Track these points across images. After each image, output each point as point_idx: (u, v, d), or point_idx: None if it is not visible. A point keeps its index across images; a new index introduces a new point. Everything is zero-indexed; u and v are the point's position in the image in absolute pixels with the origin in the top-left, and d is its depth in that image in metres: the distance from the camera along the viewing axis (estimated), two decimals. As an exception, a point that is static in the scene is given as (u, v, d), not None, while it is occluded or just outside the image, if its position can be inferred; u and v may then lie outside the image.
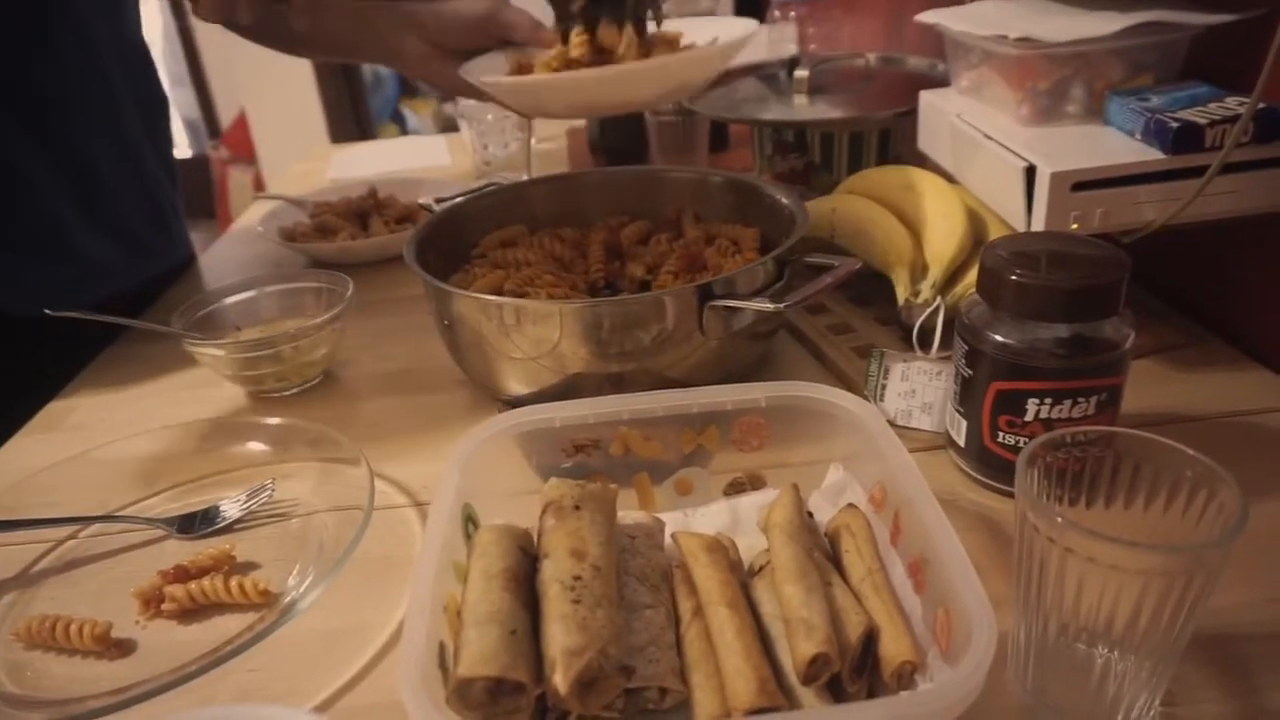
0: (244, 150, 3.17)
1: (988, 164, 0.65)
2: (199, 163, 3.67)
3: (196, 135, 3.89)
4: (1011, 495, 0.51)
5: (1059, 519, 0.35)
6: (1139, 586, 0.34)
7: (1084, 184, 0.57)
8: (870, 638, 0.38)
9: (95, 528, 0.56)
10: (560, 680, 0.35)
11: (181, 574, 0.50)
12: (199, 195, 3.58)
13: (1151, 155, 0.57)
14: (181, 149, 4.01)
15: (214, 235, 1.10)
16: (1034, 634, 0.39)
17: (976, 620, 0.34)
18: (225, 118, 3.42)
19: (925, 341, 0.62)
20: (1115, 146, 0.59)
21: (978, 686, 0.32)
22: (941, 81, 0.79)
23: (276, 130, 2.98)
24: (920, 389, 0.60)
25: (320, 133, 2.98)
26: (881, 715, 0.33)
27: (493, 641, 0.36)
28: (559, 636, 0.36)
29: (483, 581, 0.39)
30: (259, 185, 3.08)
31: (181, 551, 0.53)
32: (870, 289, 0.73)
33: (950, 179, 0.72)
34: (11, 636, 0.48)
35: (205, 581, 0.49)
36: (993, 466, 0.52)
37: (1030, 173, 0.59)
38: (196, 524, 0.56)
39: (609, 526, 0.43)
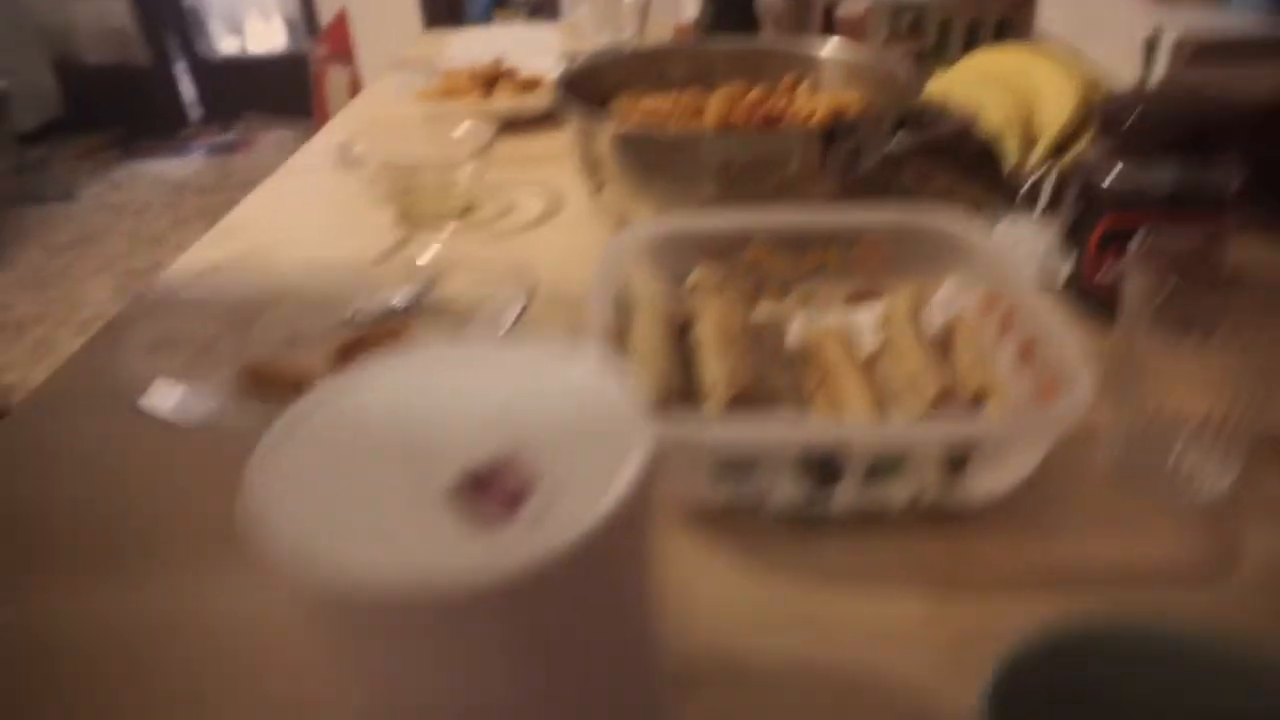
0: (342, 49, 3.24)
1: (1110, 35, 0.68)
2: (297, 60, 3.76)
3: (295, 33, 3.98)
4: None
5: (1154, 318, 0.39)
6: (1214, 389, 0.39)
7: (1204, 50, 0.60)
8: (980, 401, 0.44)
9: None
10: (723, 394, 0.41)
11: (358, 345, 0.57)
12: (297, 93, 3.67)
13: (1273, 28, 0.59)
14: (280, 45, 4.11)
15: (310, 134, 1.10)
16: (1124, 423, 0.43)
17: (1078, 371, 0.39)
18: (325, 15, 3.49)
19: (1033, 206, 0.66)
20: (1237, 19, 0.62)
21: (1080, 409, 0.37)
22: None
23: (375, 30, 3.03)
24: (1024, 244, 0.65)
25: (416, 35, 3.03)
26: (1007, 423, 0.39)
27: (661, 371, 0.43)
28: (717, 368, 0.43)
29: (648, 327, 0.46)
30: (356, 86, 3.15)
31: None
32: (980, 160, 0.76)
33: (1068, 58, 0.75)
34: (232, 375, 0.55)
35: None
36: (1096, 302, 0.56)
37: (1151, 41, 0.62)
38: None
39: (749, 305, 0.49)
